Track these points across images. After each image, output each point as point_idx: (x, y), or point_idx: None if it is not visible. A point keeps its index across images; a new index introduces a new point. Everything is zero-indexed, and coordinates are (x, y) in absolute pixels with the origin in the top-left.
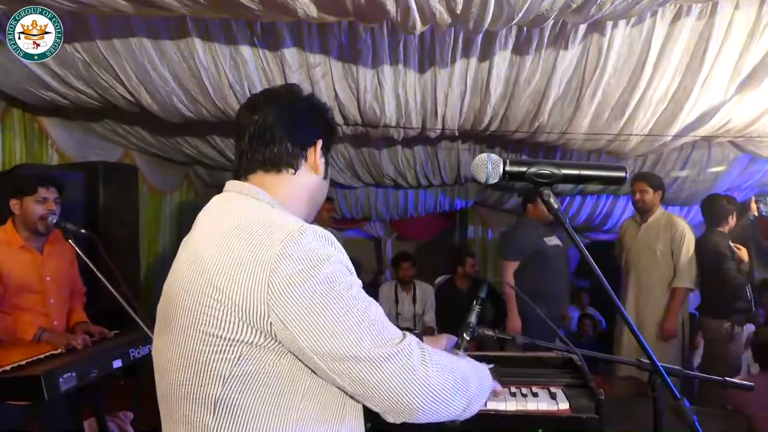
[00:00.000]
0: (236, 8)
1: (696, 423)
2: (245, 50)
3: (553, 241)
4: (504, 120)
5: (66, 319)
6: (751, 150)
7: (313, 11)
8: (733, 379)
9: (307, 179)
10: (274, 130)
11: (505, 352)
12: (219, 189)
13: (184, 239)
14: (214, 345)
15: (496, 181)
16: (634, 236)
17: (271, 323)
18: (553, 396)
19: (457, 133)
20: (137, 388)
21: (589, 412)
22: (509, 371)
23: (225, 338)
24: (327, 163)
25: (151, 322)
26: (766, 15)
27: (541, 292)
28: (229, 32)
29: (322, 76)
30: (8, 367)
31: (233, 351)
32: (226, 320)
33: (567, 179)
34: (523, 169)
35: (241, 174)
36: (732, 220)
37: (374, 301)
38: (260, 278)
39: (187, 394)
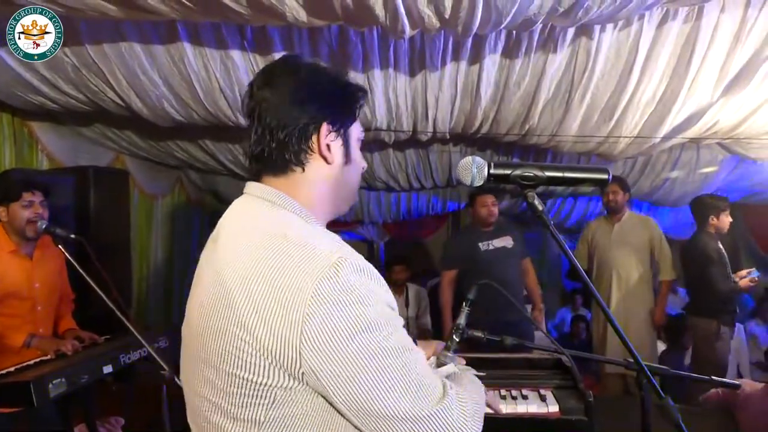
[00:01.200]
0: (225, 12)
1: (680, 422)
2: (236, 54)
3: (496, 243)
4: (494, 123)
5: (53, 326)
6: (739, 152)
7: (302, 15)
8: (720, 378)
9: (322, 172)
10: (266, 122)
11: (495, 354)
12: (211, 193)
13: (207, 250)
14: (247, 389)
15: (481, 183)
16: (607, 235)
17: (303, 373)
18: (542, 398)
19: (448, 136)
20: (128, 393)
21: (579, 413)
22: (499, 373)
23: (257, 383)
24: (346, 144)
25: (142, 327)
26: (751, 18)
27: (482, 300)
28: (219, 36)
29: None
30: None
31: (267, 396)
32: (256, 364)
33: (551, 181)
34: (508, 171)
35: (253, 177)
36: (716, 220)
37: (415, 348)
38: (293, 322)
39: None
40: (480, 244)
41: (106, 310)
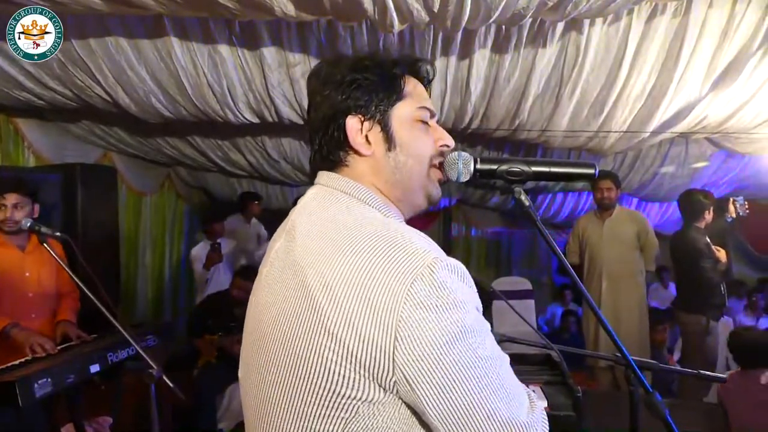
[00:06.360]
0: (213, 7)
1: (668, 416)
2: (224, 49)
3: None
4: (485, 118)
5: (48, 316)
6: (727, 146)
7: (290, 9)
8: (707, 372)
9: (365, 164)
10: (310, 117)
11: None
12: (200, 190)
13: (280, 245)
14: (327, 400)
15: (467, 179)
16: (598, 231)
17: (394, 381)
18: None
19: None
20: (116, 392)
21: (567, 409)
22: None
23: (340, 394)
24: (386, 129)
25: (130, 326)
26: (739, 13)
27: None
28: (207, 31)
29: (302, 75)
30: None
31: (349, 409)
32: (343, 375)
33: (537, 176)
34: (494, 166)
35: (312, 171)
36: (708, 216)
37: (504, 354)
38: (385, 326)
39: None
40: None
41: (94, 308)
